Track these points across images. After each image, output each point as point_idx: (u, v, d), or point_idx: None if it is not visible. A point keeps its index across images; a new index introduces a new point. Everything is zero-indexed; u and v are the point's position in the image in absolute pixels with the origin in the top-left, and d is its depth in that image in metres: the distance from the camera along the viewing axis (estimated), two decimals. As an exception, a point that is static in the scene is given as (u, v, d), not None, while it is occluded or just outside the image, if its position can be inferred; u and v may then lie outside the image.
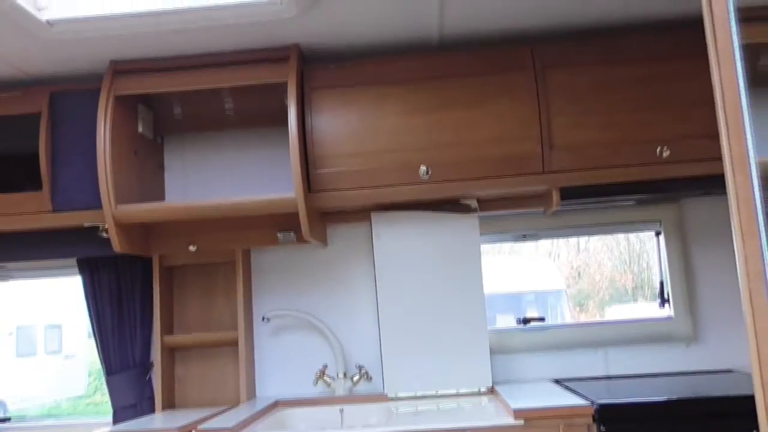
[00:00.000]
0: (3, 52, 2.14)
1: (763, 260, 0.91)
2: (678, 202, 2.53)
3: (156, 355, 2.46)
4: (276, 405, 2.38)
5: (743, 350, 2.45)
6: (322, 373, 2.48)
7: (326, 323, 2.54)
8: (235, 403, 2.45)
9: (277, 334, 2.57)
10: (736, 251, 0.94)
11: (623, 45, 2.22)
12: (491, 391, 2.37)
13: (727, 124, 0.96)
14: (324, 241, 2.51)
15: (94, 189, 2.22)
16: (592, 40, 2.25)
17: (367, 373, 2.49)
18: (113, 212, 2.16)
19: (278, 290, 2.58)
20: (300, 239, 2.41)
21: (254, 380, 2.54)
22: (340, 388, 2.45)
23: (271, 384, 2.55)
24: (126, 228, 2.25)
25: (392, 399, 2.38)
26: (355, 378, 2.47)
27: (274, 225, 2.44)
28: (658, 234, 2.57)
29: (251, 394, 2.49)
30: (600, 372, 2.49)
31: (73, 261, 2.54)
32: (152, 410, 2.47)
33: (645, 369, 2.47)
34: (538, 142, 2.19)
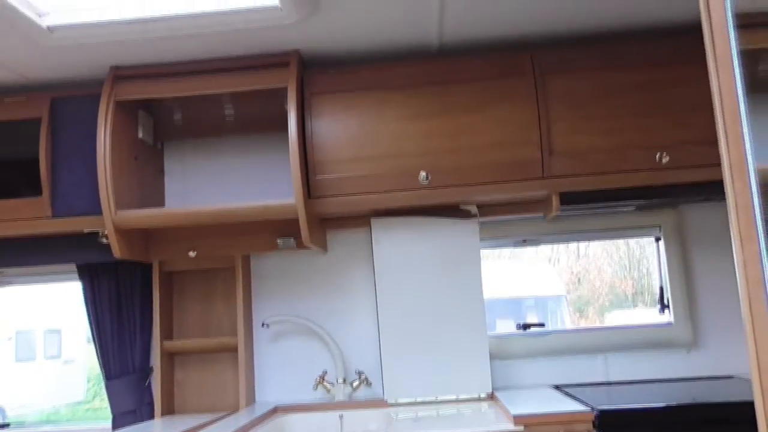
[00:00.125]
0: (4, 57, 2.15)
1: (762, 266, 0.91)
2: (678, 208, 2.53)
3: (155, 361, 2.46)
4: (275, 411, 2.37)
5: (743, 356, 2.44)
6: (322, 378, 2.47)
7: (326, 329, 2.53)
8: (234, 409, 2.44)
9: (277, 339, 2.57)
10: (735, 257, 0.94)
11: (623, 51, 2.22)
12: (491, 396, 2.36)
13: (725, 130, 0.96)
14: (324, 246, 2.51)
15: (94, 195, 2.22)
16: (592, 45, 2.26)
17: (366, 378, 2.48)
18: (113, 218, 2.16)
19: (278, 296, 2.58)
20: (300, 245, 2.41)
21: (254, 386, 2.53)
22: (340, 393, 2.44)
23: (270, 390, 2.54)
24: (126, 234, 2.25)
25: (392, 405, 2.37)
26: (355, 384, 2.47)
27: (273, 231, 2.44)
28: (657, 239, 2.57)
29: (251, 400, 2.49)
30: (600, 378, 2.48)
31: (73, 266, 2.54)
32: (151, 416, 2.46)
33: (645, 375, 2.47)
34: (538, 148, 2.19)
